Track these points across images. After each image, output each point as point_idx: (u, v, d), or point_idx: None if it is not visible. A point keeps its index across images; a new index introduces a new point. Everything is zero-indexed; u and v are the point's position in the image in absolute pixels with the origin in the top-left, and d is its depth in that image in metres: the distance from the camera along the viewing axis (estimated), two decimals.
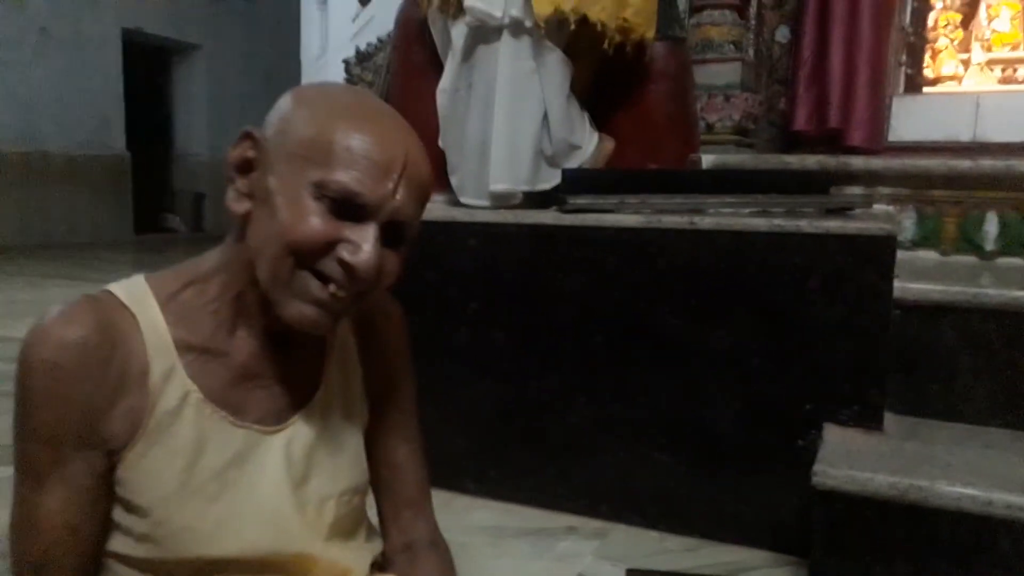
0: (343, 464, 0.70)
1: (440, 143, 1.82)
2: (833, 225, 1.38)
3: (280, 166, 0.58)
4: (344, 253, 0.56)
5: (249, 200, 0.60)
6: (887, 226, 1.36)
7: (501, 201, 1.76)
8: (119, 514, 0.61)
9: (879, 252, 1.34)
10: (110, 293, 0.62)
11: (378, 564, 0.75)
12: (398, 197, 0.57)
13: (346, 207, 0.56)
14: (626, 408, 1.56)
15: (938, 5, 2.52)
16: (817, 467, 1.20)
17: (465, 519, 1.54)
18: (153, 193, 7.93)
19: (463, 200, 1.83)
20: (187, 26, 7.95)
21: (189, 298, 0.63)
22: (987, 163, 1.95)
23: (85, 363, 0.57)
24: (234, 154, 0.61)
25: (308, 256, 0.57)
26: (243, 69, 8.37)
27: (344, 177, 0.55)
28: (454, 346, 1.66)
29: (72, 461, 0.58)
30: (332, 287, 0.58)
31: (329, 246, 0.57)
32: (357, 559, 0.71)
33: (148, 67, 7.85)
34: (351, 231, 0.57)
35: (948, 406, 1.46)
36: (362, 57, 3.03)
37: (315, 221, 0.56)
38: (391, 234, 0.58)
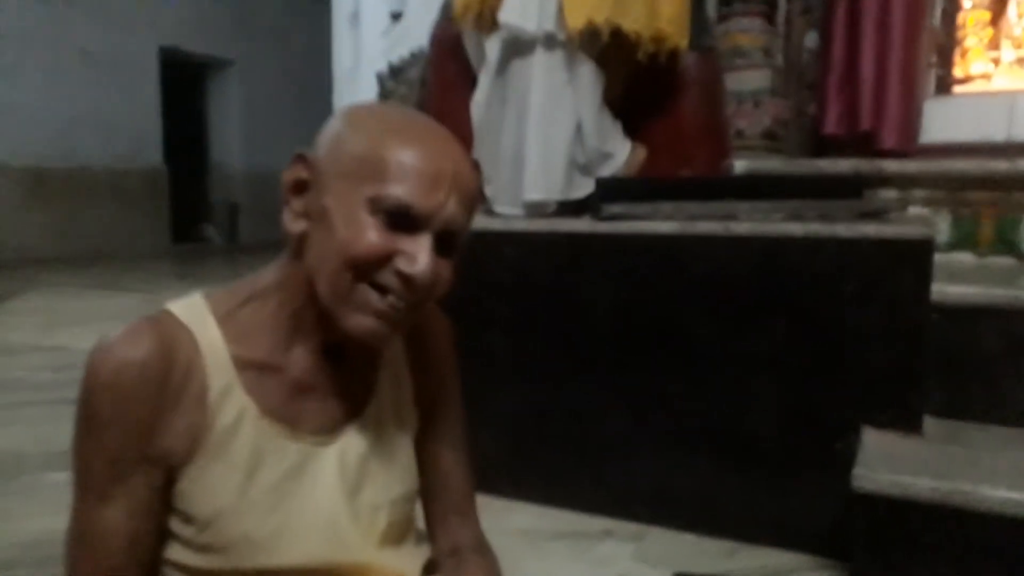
0: (395, 472, 0.71)
1: (474, 154, 1.86)
2: (869, 229, 1.39)
3: (335, 184, 0.59)
4: (401, 264, 0.58)
5: (304, 220, 0.61)
6: (924, 230, 1.36)
7: (535, 210, 1.79)
8: (177, 525, 0.62)
9: (916, 256, 1.34)
10: (169, 313, 0.62)
11: (427, 569, 0.76)
12: (449, 207, 0.59)
13: (400, 219, 0.58)
14: (662, 412, 1.57)
15: (967, 4, 2.48)
16: (857, 470, 1.20)
17: (503, 522, 1.56)
18: (189, 205, 8.12)
19: (497, 209, 1.87)
20: (222, 43, 8.16)
21: (247, 315, 0.64)
22: None
23: (145, 384, 0.58)
24: (288, 176, 0.62)
25: (366, 269, 0.58)
26: (276, 84, 8.57)
27: (398, 190, 0.57)
28: (492, 352, 1.70)
29: (132, 476, 0.59)
30: (390, 298, 0.59)
31: (386, 258, 0.58)
32: (409, 565, 0.73)
33: (184, 82, 8.08)
34: (406, 243, 0.58)
35: (988, 409, 1.45)
36: (395, 71, 3.09)
37: (372, 235, 0.57)
38: (443, 243, 0.61)
